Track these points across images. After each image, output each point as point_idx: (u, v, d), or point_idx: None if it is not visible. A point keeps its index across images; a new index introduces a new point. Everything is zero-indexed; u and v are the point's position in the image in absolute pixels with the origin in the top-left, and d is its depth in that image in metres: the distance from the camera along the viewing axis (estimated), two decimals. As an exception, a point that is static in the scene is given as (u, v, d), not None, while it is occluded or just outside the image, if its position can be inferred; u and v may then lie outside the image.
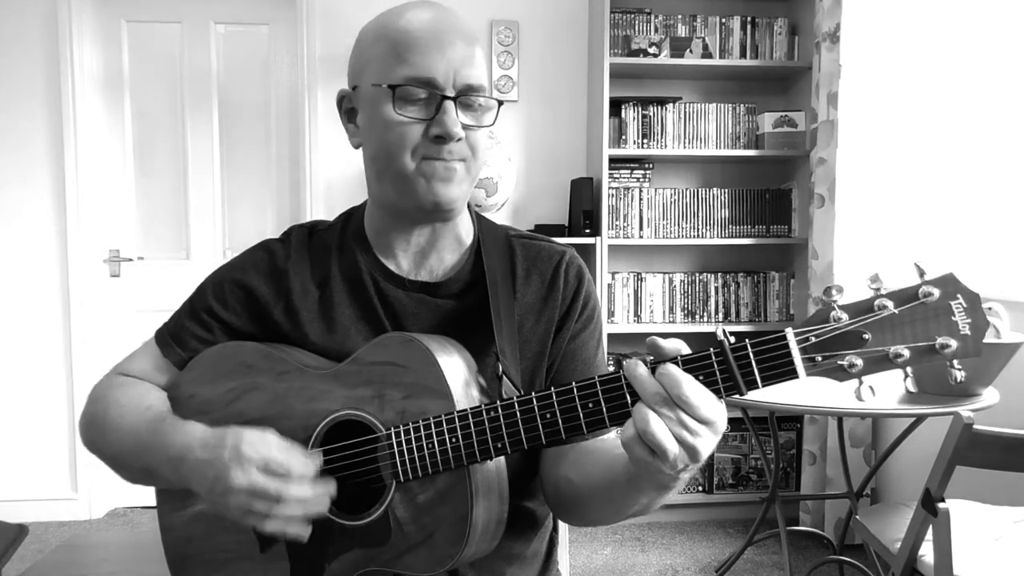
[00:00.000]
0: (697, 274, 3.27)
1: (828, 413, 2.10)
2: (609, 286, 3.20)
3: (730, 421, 3.45)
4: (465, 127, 0.90)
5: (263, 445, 0.82)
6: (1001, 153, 2.46)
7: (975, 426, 1.38)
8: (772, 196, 3.27)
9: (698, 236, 3.23)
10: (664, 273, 3.25)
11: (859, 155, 2.78)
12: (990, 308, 0.69)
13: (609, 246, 3.12)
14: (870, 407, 1.96)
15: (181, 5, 3.29)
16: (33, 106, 3.15)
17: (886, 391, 2.08)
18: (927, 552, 1.50)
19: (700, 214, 3.23)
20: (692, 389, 0.68)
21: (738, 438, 3.17)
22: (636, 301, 3.23)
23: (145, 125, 3.35)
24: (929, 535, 1.48)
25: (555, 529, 1.11)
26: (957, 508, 1.61)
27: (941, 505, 1.44)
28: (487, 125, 0.93)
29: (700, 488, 3.19)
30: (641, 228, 3.20)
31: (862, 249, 2.80)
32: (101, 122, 3.28)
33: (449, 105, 0.89)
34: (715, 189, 3.24)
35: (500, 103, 0.95)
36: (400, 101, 0.89)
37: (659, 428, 0.68)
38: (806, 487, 3.06)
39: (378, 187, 0.96)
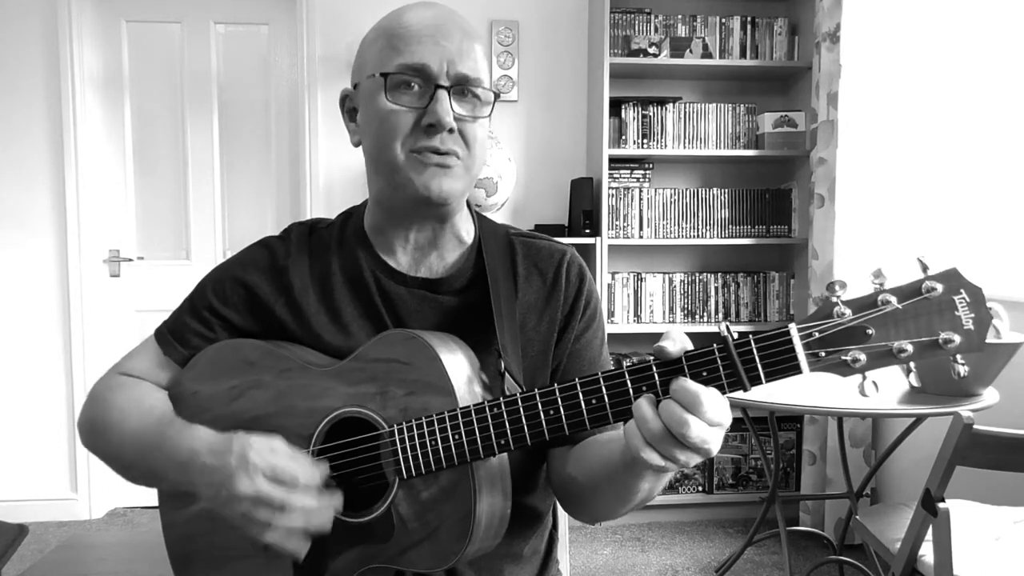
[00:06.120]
0: (697, 274, 3.27)
1: (828, 413, 2.09)
2: (609, 286, 3.20)
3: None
4: (459, 118, 0.89)
5: (270, 452, 0.82)
6: (1001, 153, 2.46)
7: (975, 426, 1.38)
8: (772, 196, 3.27)
9: (698, 236, 3.23)
10: (664, 273, 3.25)
11: (859, 155, 2.78)
12: (990, 308, 0.69)
13: (609, 246, 3.12)
14: (870, 407, 1.96)
15: (181, 5, 3.29)
16: (33, 106, 3.15)
17: (886, 391, 2.08)
18: (927, 552, 1.50)
19: (700, 214, 3.23)
20: (709, 399, 0.69)
21: (738, 438, 3.17)
22: (636, 301, 3.23)
23: (145, 125, 3.34)
24: (929, 535, 1.48)
25: (555, 527, 1.11)
26: (957, 508, 1.61)
27: (941, 505, 1.44)
28: (482, 117, 0.92)
29: (700, 488, 3.19)
30: (641, 228, 3.20)
31: (862, 249, 2.80)
32: (101, 122, 3.28)
33: (442, 94, 0.88)
34: (715, 189, 3.23)
35: (497, 95, 0.94)
36: (393, 89, 0.89)
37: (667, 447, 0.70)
38: (806, 487, 3.06)
39: (376, 182, 0.96)
